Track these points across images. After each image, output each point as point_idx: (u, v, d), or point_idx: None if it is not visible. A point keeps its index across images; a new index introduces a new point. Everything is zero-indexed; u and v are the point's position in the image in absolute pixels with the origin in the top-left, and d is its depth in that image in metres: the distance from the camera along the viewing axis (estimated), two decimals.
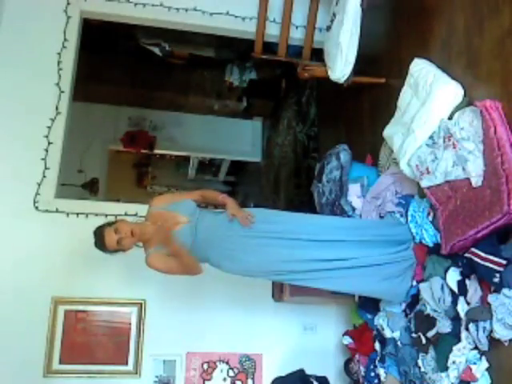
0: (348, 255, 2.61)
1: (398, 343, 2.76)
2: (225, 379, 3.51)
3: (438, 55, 2.66)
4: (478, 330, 2.16)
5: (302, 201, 4.66)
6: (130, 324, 3.44)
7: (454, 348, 2.27)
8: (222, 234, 2.59)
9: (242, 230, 2.58)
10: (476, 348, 2.22)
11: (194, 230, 2.57)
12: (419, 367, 2.55)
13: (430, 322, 2.44)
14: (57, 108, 3.60)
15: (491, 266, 2.07)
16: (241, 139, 7.40)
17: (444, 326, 2.38)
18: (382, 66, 3.38)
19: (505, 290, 2.03)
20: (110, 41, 5.85)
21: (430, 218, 2.54)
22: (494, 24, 2.24)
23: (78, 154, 6.11)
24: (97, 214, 3.46)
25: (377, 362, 2.96)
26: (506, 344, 2.07)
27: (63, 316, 3.37)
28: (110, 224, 2.60)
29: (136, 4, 3.84)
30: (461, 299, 2.28)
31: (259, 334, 3.60)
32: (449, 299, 2.35)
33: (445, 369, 2.32)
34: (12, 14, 3.66)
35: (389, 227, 2.78)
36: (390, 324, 2.81)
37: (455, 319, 2.33)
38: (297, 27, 3.95)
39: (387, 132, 2.80)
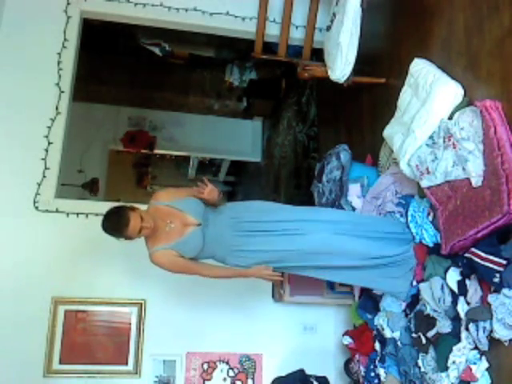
0: (349, 250, 2.63)
1: (398, 343, 2.76)
2: (225, 379, 3.51)
3: (438, 55, 2.66)
4: (477, 330, 2.16)
5: (302, 201, 4.65)
6: (130, 324, 3.45)
7: (454, 348, 2.27)
8: (226, 230, 2.60)
9: (246, 222, 2.61)
10: (476, 348, 2.22)
11: (204, 232, 2.56)
12: (419, 367, 2.55)
13: (430, 322, 2.44)
14: (57, 108, 3.60)
15: (491, 265, 2.07)
16: (241, 139, 7.40)
17: (444, 326, 2.38)
18: (382, 66, 3.38)
19: (505, 290, 2.03)
20: (110, 41, 5.86)
21: (430, 217, 2.54)
22: (494, 24, 2.24)
23: (78, 154, 6.11)
24: (97, 214, 3.44)
25: (377, 362, 2.96)
26: (506, 344, 2.07)
27: (63, 316, 3.37)
28: (131, 208, 2.48)
29: (136, 4, 3.84)
30: (461, 299, 2.28)
31: (259, 334, 3.60)
32: (449, 299, 2.35)
33: (445, 369, 2.32)
34: (12, 13, 3.66)
35: (390, 225, 2.78)
36: (390, 324, 2.81)
37: (455, 319, 2.33)
38: (297, 27, 3.95)
39: (387, 132, 2.80)
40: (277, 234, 2.61)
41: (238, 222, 2.62)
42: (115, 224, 2.44)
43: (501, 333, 2.05)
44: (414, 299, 2.67)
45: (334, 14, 3.30)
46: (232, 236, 2.60)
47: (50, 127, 3.56)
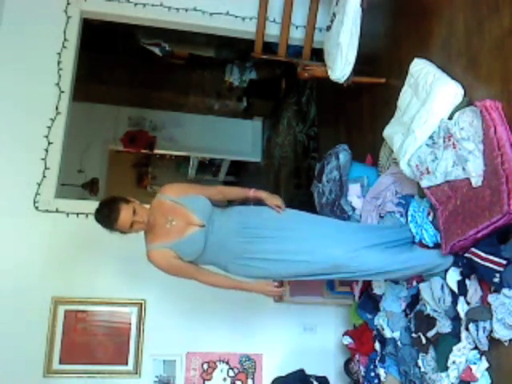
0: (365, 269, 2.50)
1: (398, 343, 2.76)
2: (225, 379, 3.51)
3: (438, 55, 2.66)
4: (478, 330, 2.16)
5: (302, 201, 4.65)
6: (130, 324, 3.44)
7: (454, 348, 2.27)
8: (230, 235, 2.45)
9: (252, 228, 2.47)
10: (476, 348, 2.22)
11: (207, 234, 2.41)
12: (419, 367, 2.55)
13: (430, 322, 2.44)
14: (57, 108, 3.60)
15: (491, 266, 2.07)
16: (241, 139, 7.40)
17: (444, 326, 2.38)
18: (382, 66, 3.38)
19: (505, 290, 2.03)
20: (110, 41, 5.86)
21: (430, 217, 2.54)
22: (494, 24, 2.24)
23: (77, 153, 6.11)
24: None
25: (377, 362, 2.96)
26: (506, 344, 2.07)
27: (63, 316, 3.37)
28: (125, 200, 2.36)
29: (136, 4, 3.84)
30: (461, 299, 2.28)
31: (259, 334, 3.60)
32: (449, 299, 2.35)
33: (445, 369, 2.32)
34: (12, 13, 3.66)
35: (393, 231, 2.73)
36: (390, 324, 2.81)
37: (455, 319, 2.33)
38: (297, 27, 3.95)
39: (387, 132, 2.80)
40: (282, 242, 2.46)
41: (244, 228, 2.47)
42: (105, 217, 2.35)
43: (501, 333, 2.05)
44: (414, 299, 2.67)
45: (334, 14, 3.30)
46: (236, 242, 2.45)
47: (50, 127, 3.56)
